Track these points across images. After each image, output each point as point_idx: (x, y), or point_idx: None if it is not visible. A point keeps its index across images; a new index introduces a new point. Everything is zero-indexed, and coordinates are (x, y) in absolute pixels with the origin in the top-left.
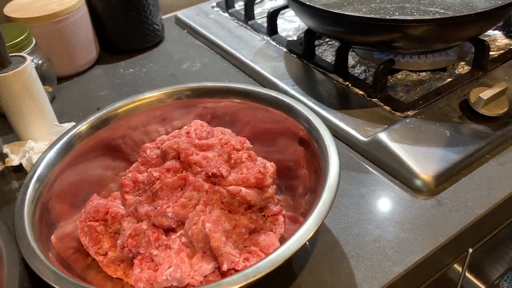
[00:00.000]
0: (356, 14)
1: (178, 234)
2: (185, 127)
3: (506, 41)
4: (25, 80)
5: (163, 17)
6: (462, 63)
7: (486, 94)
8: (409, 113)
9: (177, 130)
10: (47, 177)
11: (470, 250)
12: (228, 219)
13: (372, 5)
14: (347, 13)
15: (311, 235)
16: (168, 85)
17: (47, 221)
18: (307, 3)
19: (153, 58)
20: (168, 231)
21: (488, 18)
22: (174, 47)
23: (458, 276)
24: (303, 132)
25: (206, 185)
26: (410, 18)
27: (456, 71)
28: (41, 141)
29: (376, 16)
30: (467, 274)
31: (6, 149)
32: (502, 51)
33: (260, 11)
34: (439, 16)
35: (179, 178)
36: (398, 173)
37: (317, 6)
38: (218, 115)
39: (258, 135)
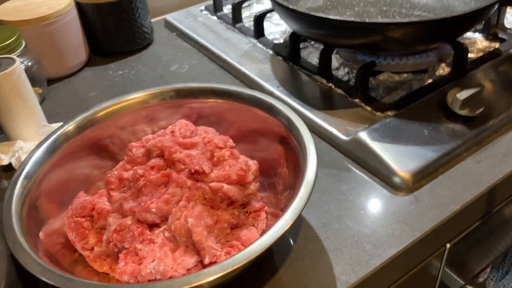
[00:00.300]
0: (338, 17)
1: (161, 229)
2: (170, 126)
3: (486, 43)
4: (14, 82)
5: (152, 20)
6: (443, 64)
7: (463, 94)
8: (389, 113)
9: (163, 130)
10: (35, 175)
11: (448, 245)
12: (210, 215)
13: (356, 9)
14: (329, 16)
15: (287, 228)
16: (156, 86)
17: (35, 218)
18: (291, 7)
19: (142, 60)
20: (152, 226)
21: (464, 21)
22: (162, 50)
23: (437, 270)
24: (283, 130)
25: (189, 182)
26: (389, 21)
27: (437, 73)
28: (30, 141)
29: (356, 20)
30: (447, 269)
31: None
32: (481, 53)
33: (248, 15)
34: (417, 19)
35: (162, 175)
36: (378, 171)
37: (300, 10)
38: (204, 115)
39: (243, 134)
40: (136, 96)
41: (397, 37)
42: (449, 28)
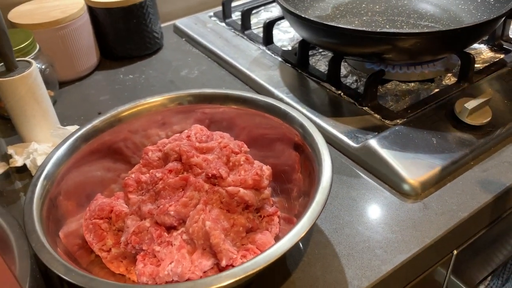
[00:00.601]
0: (348, 26)
1: (179, 231)
2: (186, 131)
3: (491, 54)
4: (30, 84)
5: (162, 25)
6: (449, 74)
7: (471, 104)
8: (398, 121)
9: (178, 134)
10: (54, 175)
11: (455, 252)
12: (226, 218)
13: (364, 18)
14: (339, 25)
15: (305, 233)
16: (167, 91)
17: (54, 217)
18: (302, 15)
19: (152, 65)
20: (170, 228)
21: (473, 32)
22: (172, 55)
23: (444, 277)
24: (297, 138)
25: (206, 186)
26: (399, 31)
27: (443, 82)
28: (44, 143)
29: (367, 29)
30: (452, 277)
31: (10, 150)
32: (487, 64)
33: (256, 21)
34: (427, 30)
35: (180, 178)
36: (387, 178)
37: (311, 18)
38: (216, 120)
39: (254, 140)
40: (154, 100)
41: (407, 47)
42: (458, 39)
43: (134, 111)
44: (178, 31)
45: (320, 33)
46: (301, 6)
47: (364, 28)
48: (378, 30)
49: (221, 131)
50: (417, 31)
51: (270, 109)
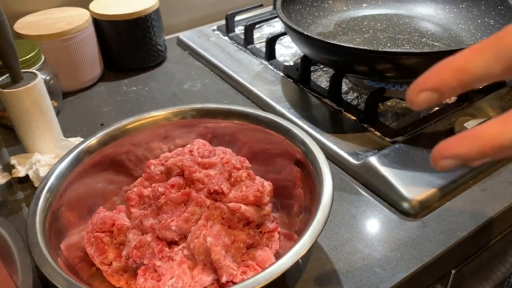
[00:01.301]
0: (350, 45)
1: (180, 246)
2: (188, 145)
3: None
4: (35, 96)
5: (166, 37)
6: None
7: (470, 124)
8: (398, 139)
9: (180, 148)
10: (57, 188)
11: (453, 271)
12: (227, 234)
13: (366, 36)
14: (341, 43)
15: (305, 251)
16: (170, 104)
17: (56, 229)
18: (304, 33)
19: (155, 77)
20: (171, 243)
21: None
22: (175, 67)
23: None
24: (299, 154)
25: (208, 201)
26: (401, 51)
27: (443, 101)
28: (47, 154)
29: (369, 48)
30: None
31: (13, 161)
32: (486, 84)
33: (259, 36)
34: (427, 49)
35: (183, 194)
36: (387, 196)
37: (313, 36)
38: (218, 135)
39: (256, 154)
40: (158, 114)
41: (408, 66)
42: None
43: (137, 124)
44: (181, 44)
45: (321, 50)
46: (303, 22)
47: (365, 47)
48: (380, 49)
49: (223, 145)
50: (418, 51)
51: (271, 125)
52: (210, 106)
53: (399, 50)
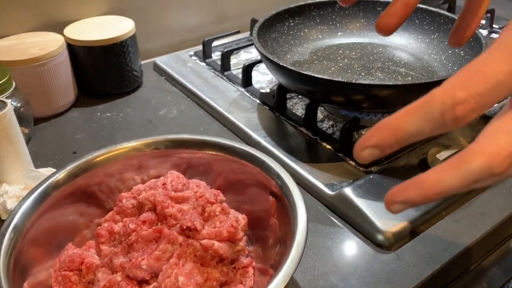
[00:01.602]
0: (324, 76)
1: (151, 286)
2: (162, 178)
3: None
4: (4, 125)
5: (142, 62)
6: None
7: (442, 155)
8: (372, 169)
9: (154, 180)
10: (23, 225)
11: None
12: (200, 272)
13: (340, 64)
14: (314, 75)
15: None
16: (145, 131)
17: (20, 268)
18: (279, 63)
19: (131, 103)
20: (142, 283)
21: None
22: (151, 93)
23: None
24: (274, 187)
25: (180, 238)
26: (374, 83)
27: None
28: (16, 185)
29: (342, 80)
30: None
31: None
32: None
33: (236, 62)
34: (401, 78)
35: (154, 230)
36: (362, 228)
37: (288, 66)
38: (193, 165)
39: (231, 185)
40: (130, 145)
41: (382, 98)
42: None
43: (109, 155)
44: (158, 69)
45: (295, 81)
46: (279, 51)
47: (339, 79)
48: (353, 80)
49: (198, 175)
50: (390, 83)
51: (246, 157)
52: (185, 137)
53: (372, 82)
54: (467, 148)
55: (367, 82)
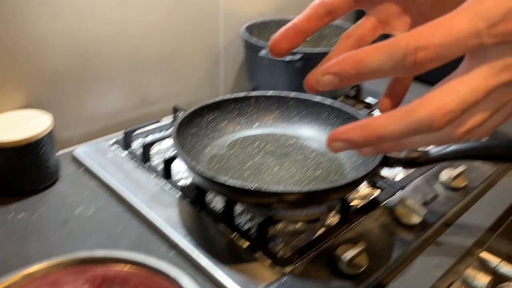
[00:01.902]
0: (231, 183)
1: None
2: None
3: (368, 190)
4: None
5: (61, 152)
6: (332, 213)
7: (347, 255)
8: (286, 270)
9: None
10: None
11: None
12: None
13: (255, 160)
14: (222, 181)
15: None
16: (59, 235)
17: None
18: (191, 165)
19: (46, 201)
20: None
21: (352, 185)
22: (68, 188)
23: None
24: None
25: None
26: (282, 191)
27: (327, 222)
28: None
29: (250, 188)
30: None
31: None
32: (364, 201)
33: (157, 151)
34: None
35: None
36: None
37: (198, 169)
38: (108, 279)
39: None
40: (39, 268)
41: (291, 201)
42: (338, 192)
43: (18, 279)
44: (76, 161)
45: (210, 184)
46: (199, 144)
47: (246, 187)
48: (263, 189)
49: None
50: (297, 190)
51: (161, 273)
52: (97, 254)
53: (281, 187)
54: (415, 100)
55: (275, 188)
